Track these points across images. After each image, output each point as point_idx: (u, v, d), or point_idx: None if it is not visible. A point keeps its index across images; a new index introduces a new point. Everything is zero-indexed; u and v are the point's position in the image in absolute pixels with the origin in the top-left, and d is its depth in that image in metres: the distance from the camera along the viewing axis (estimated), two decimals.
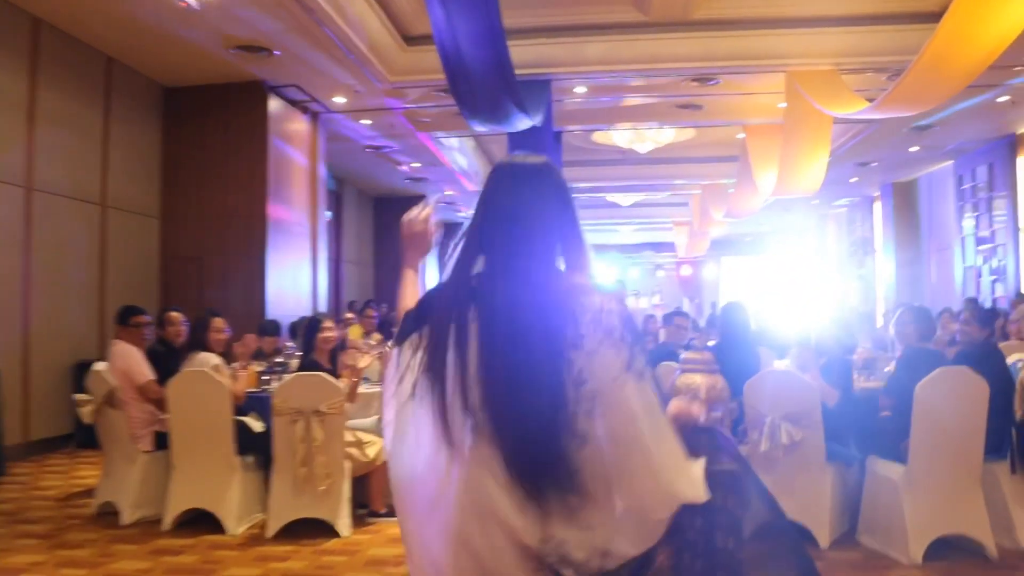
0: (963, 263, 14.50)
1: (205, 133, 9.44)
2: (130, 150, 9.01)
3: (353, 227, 16.99)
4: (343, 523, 4.86)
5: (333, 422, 4.74)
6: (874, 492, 4.68)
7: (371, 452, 5.01)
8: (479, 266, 1.70)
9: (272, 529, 4.84)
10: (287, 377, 4.98)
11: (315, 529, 4.87)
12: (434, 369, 1.64)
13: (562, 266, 1.71)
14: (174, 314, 5.79)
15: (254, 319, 8.69)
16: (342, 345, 7.57)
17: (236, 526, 4.90)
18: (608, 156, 15.47)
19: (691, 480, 1.61)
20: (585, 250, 1.73)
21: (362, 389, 5.61)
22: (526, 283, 1.62)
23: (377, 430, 5.22)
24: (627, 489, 1.56)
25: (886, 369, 6.03)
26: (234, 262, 9.33)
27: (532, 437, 1.54)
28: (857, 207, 20.01)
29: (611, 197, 18.65)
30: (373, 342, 7.61)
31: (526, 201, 1.70)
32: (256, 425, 5.22)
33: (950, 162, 14.88)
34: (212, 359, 5.21)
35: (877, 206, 18.71)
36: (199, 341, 5.36)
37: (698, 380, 3.26)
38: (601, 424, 1.55)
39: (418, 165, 14.37)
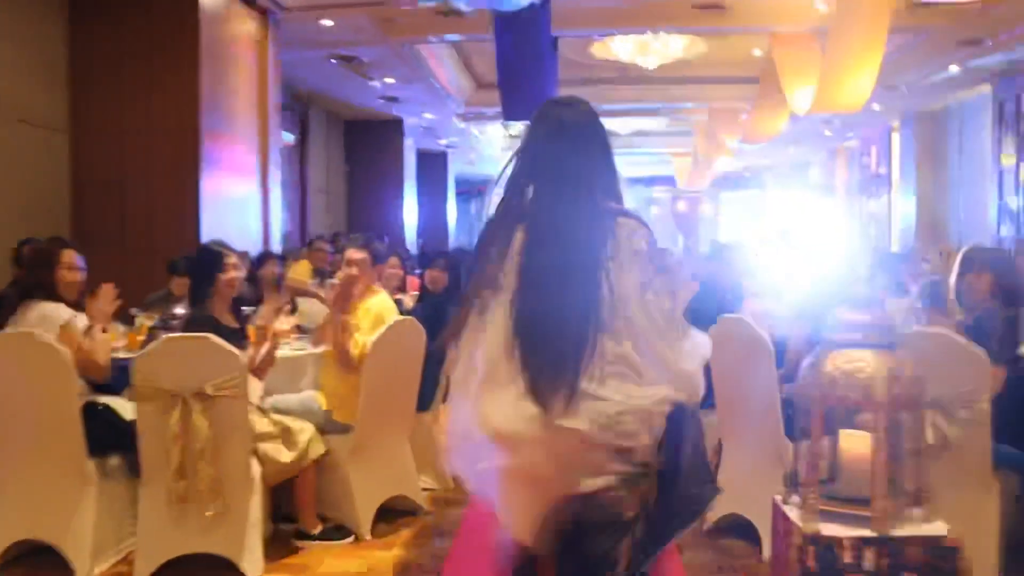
0: (998, 200, 13.03)
1: (122, 27, 7.71)
2: (27, 47, 7.29)
3: (321, 153, 15.28)
4: (250, 560, 3.33)
5: (228, 409, 3.21)
6: None
7: (300, 444, 3.54)
8: (529, 193, 1.99)
9: (143, 572, 3.31)
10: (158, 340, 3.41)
11: (213, 567, 3.39)
12: (487, 283, 1.93)
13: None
14: (65, 253, 3.94)
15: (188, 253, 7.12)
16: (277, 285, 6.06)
17: (90, 565, 3.34)
18: (607, 74, 13.78)
19: (693, 383, 1.93)
20: (620, 185, 2.02)
21: (289, 351, 4.10)
22: (571, 203, 1.92)
23: (312, 410, 3.75)
24: (641, 379, 1.84)
25: None
26: (161, 187, 7.69)
27: (568, 329, 1.81)
28: (872, 140, 18.42)
29: (608, 124, 16.95)
30: (328, 286, 6.07)
31: (572, 141, 1.96)
32: (128, 410, 3.60)
33: (987, 87, 13.29)
34: (61, 312, 3.62)
35: (896, 138, 17.14)
36: (40, 283, 3.68)
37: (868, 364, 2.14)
38: (623, 326, 1.83)
39: (392, 81, 12.64)
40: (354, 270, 3.70)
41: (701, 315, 3.04)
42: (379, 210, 16.19)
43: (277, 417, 3.58)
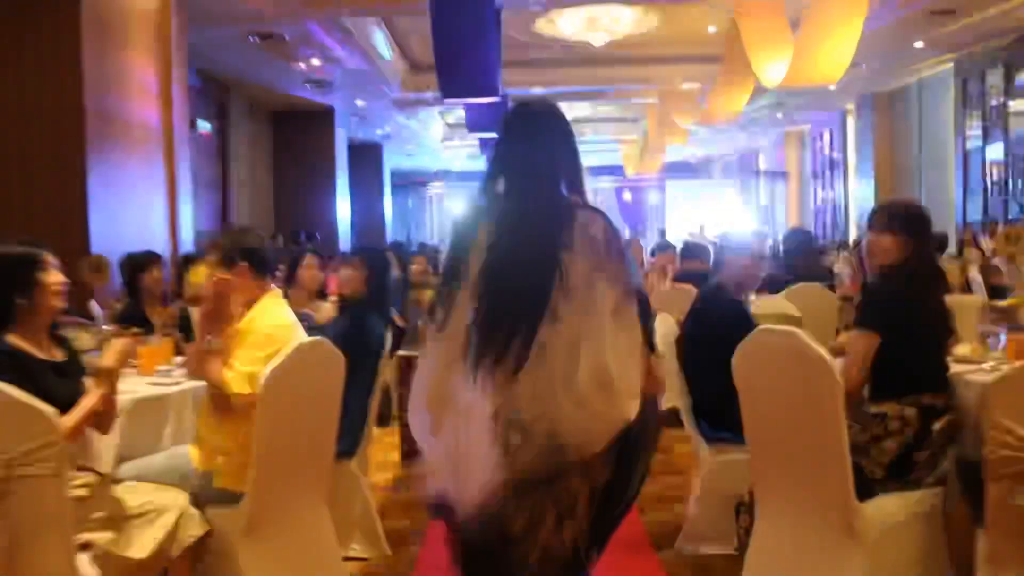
0: (963, 183, 12.47)
1: None
2: None
3: (245, 145, 14.06)
4: None
5: (38, 494, 2.14)
6: None
7: (163, 527, 2.44)
8: (499, 189, 2.12)
9: None
10: None
11: None
12: (454, 275, 2.04)
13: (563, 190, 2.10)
14: None
15: (74, 257, 5.94)
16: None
17: None
18: (552, 54, 12.88)
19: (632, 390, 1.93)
20: (583, 179, 2.13)
21: (158, 387, 3.07)
22: (533, 197, 2.05)
23: (183, 473, 2.68)
24: (578, 378, 1.88)
25: None
26: (40, 178, 6.52)
27: (517, 309, 1.92)
28: (825, 123, 17.84)
29: None
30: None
31: (537, 138, 2.10)
32: None
33: (949, 65, 12.71)
34: None
35: (851, 121, 16.58)
36: None
37: None
38: (569, 311, 1.91)
39: (318, 63, 11.50)
40: (228, 277, 2.65)
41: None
42: (309, 205, 15.03)
43: (128, 486, 2.54)
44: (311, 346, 2.65)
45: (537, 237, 1.97)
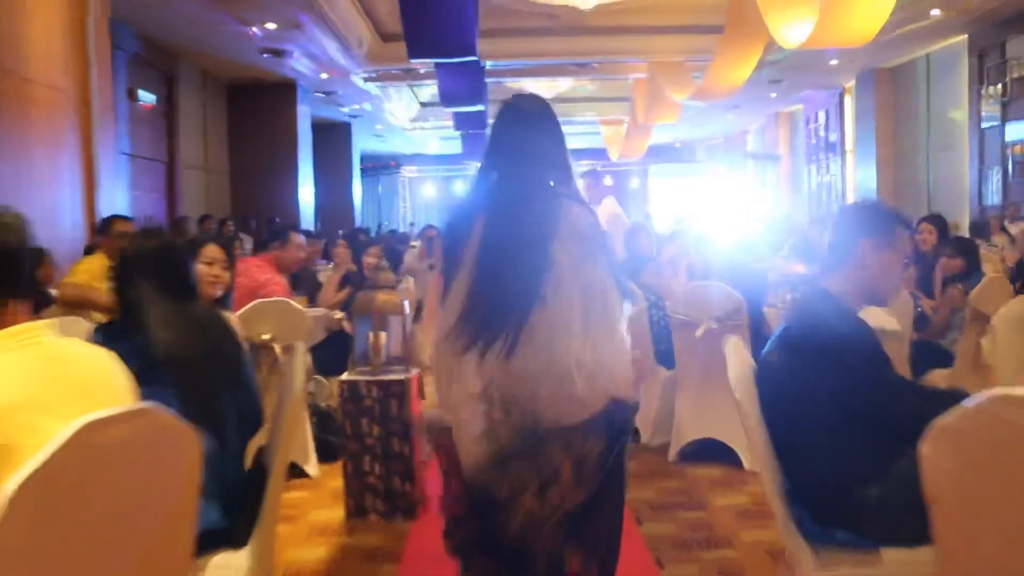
0: (979, 165, 11.50)
1: None
2: None
3: (195, 120, 12.80)
4: None
5: None
6: None
7: None
8: (493, 179, 2.18)
9: None
10: None
11: None
12: (451, 261, 2.09)
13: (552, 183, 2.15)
14: None
15: None
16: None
17: None
18: (536, 22, 11.73)
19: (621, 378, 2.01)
20: (571, 172, 2.19)
21: None
22: (527, 188, 2.10)
23: None
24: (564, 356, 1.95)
25: None
26: None
27: (509, 295, 1.98)
28: (820, 103, 16.83)
29: (532, 85, 14.90)
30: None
31: (528, 134, 2.15)
32: None
33: (961, 36, 11.73)
34: None
35: (848, 100, 15.61)
36: None
37: None
38: (556, 297, 1.97)
39: (273, 26, 10.27)
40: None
41: None
42: (269, 188, 13.81)
43: None
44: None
45: (528, 227, 2.03)
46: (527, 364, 1.93)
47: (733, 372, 2.00)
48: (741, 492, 3.68)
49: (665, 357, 4.29)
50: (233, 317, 3.76)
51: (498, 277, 1.99)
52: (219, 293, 2.97)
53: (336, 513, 3.62)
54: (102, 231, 4.54)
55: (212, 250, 3.03)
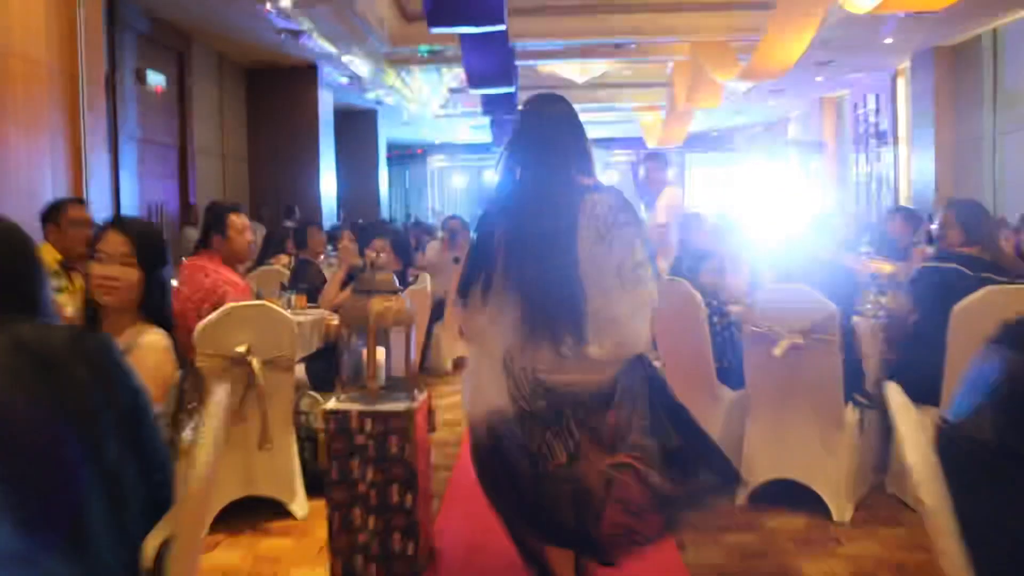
0: None
1: None
2: None
3: (211, 104, 12.18)
4: None
5: None
6: None
7: None
8: (517, 175, 2.39)
9: None
10: None
11: None
12: (484, 258, 2.30)
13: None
14: None
15: None
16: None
17: None
18: (568, 2, 10.94)
19: (641, 335, 2.22)
20: (592, 163, 2.38)
21: None
22: (547, 183, 2.30)
23: None
24: (600, 333, 2.16)
25: None
26: None
27: (550, 289, 2.17)
28: (870, 87, 15.84)
29: (563, 70, 14.10)
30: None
31: (549, 130, 2.38)
32: None
33: None
34: None
35: (901, 83, 14.63)
36: None
37: None
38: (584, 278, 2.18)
39: (287, 3, 9.57)
40: None
41: None
42: (289, 176, 13.17)
43: None
44: None
45: (553, 216, 2.22)
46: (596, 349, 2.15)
47: (912, 451, 1.24)
48: (835, 555, 2.90)
49: (730, 375, 3.52)
50: (198, 329, 3.05)
51: (538, 287, 2.18)
52: (111, 301, 2.13)
53: (325, 573, 2.91)
54: (49, 218, 3.80)
55: (112, 240, 2.14)
